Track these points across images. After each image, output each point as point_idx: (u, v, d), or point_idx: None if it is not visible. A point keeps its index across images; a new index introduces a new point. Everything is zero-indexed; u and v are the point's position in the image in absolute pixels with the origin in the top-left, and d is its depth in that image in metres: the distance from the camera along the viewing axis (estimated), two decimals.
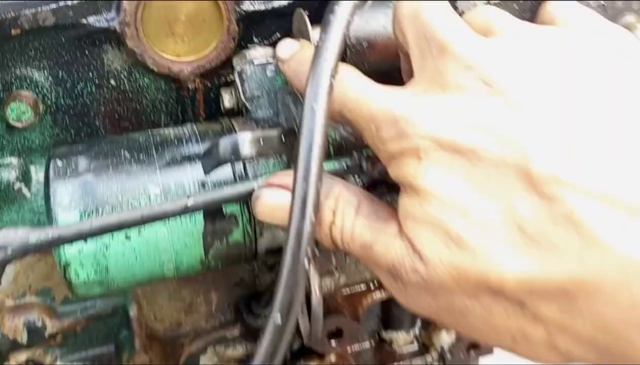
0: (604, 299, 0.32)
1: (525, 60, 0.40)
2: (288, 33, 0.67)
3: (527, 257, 0.34)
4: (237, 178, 0.51)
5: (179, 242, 0.52)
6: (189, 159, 0.53)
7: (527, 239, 0.34)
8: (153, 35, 0.62)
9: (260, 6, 0.65)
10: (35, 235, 0.39)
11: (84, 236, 0.41)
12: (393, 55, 0.53)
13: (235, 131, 0.55)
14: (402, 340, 0.86)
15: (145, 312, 0.71)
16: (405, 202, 0.40)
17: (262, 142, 0.44)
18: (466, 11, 0.49)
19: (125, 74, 0.65)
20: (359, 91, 0.44)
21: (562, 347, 0.35)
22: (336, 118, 0.45)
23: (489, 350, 0.88)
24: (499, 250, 0.35)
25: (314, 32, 0.53)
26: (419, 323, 0.86)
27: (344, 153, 0.48)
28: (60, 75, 0.63)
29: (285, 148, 0.46)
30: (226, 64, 0.66)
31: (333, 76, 0.43)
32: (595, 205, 0.33)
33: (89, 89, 0.64)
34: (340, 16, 0.46)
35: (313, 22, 0.55)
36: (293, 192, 0.39)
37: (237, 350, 0.78)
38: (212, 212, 0.51)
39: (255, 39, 0.67)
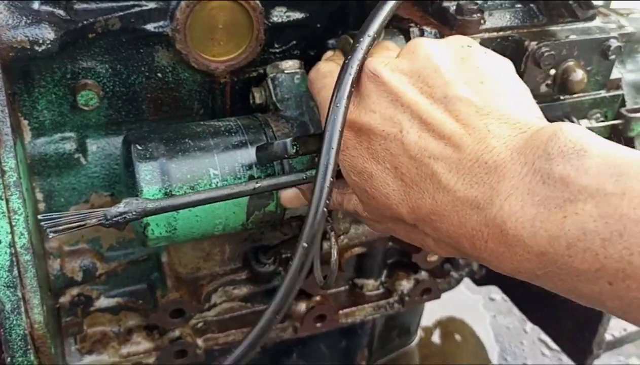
0: (447, 221, 0.52)
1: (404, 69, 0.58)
2: (302, 40, 0.83)
3: (409, 199, 0.55)
4: (276, 168, 0.69)
5: (230, 211, 0.69)
6: (238, 146, 0.69)
7: (408, 187, 0.55)
8: (196, 39, 0.77)
9: (282, 19, 0.80)
10: (152, 204, 0.55)
11: (182, 207, 0.57)
12: None
13: (271, 126, 0.72)
14: (371, 285, 1.06)
15: (172, 259, 0.88)
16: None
17: (305, 144, 0.61)
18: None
19: (170, 69, 0.79)
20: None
21: (441, 247, 0.57)
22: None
23: (437, 295, 1.10)
24: (395, 197, 0.56)
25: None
26: (385, 272, 1.07)
27: None
28: (118, 68, 0.77)
29: (313, 148, 0.63)
30: (251, 64, 0.81)
31: (353, 86, 0.59)
32: (444, 165, 0.52)
33: (140, 80, 0.78)
34: (358, 51, 0.62)
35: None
36: (316, 174, 0.56)
37: (242, 291, 0.96)
38: None
39: (275, 45, 0.83)
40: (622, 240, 0.43)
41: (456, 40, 0.59)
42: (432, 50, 0.57)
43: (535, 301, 1.03)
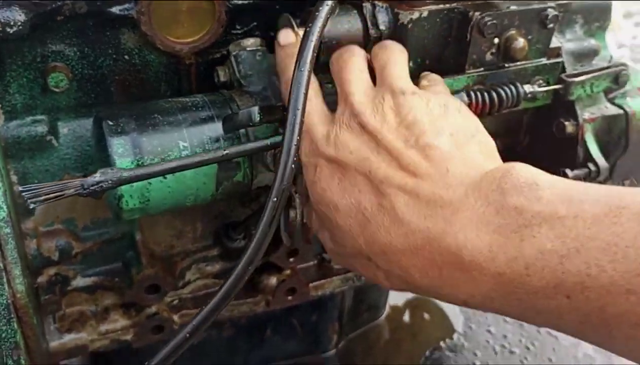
0: (400, 253, 0.57)
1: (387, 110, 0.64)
2: (263, 22, 0.87)
3: (366, 232, 0.59)
4: (242, 137, 0.73)
5: (200, 182, 0.73)
6: (205, 120, 0.73)
7: (367, 221, 0.59)
8: (161, 21, 0.80)
9: (243, 1, 0.84)
10: (127, 173, 0.59)
11: (157, 174, 0.61)
12: None
13: (235, 101, 0.76)
14: None
15: (146, 237, 0.91)
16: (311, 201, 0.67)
17: (267, 113, 0.66)
18: None
19: (137, 51, 0.82)
20: (308, 108, 0.66)
21: (391, 280, 0.61)
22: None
23: None
24: (355, 230, 0.61)
25: (298, 30, 0.74)
26: None
27: None
28: (85, 51, 0.79)
29: (278, 116, 0.68)
30: (214, 45, 0.85)
31: (315, 51, 0.64)
32: (403, 198, 0.57)
33: (108, 62, 0.81)
34: (318, 19, 0.66)
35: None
36: (283, 133, 0.60)
37: (215, 267, 0.99)
38: (223, 161, 0.72)
39: (237, 27, 0.87)
40: (579, 256, 0.47)
41: (435, 99, 0.65)
42: (414, 104, 0.63)
43: None
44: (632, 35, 3.42)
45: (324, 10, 0.62)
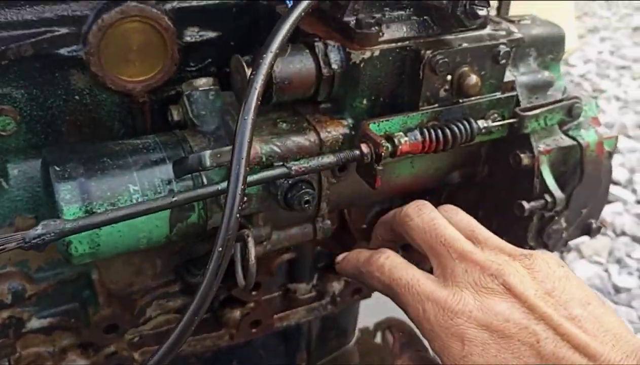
0: None
1: (524, 272, 0.63)
2: (217, 58, 0.86)
3: None
4: (194, 179, 0.72)
5: (152, 224, 0.72)
6: (157, 163, 0.72)
7: None
8: (111, 61, 0.79)
9: (196, 38, 0.84)
10: (70, 224, 0.58)
11: (101, 224, 0.60)
12: (303, 89, 0.76)
13: (188, 142, 0.75)
14: (303, 289, 1.10)
15: (104, 276, 0.89)
16: None
17: (218, 156, 0.65)
18: None
19: (87, 91, 0.81)
20: (409, 277, 0.66)
21: None
22: (382, 290, 0.71)
23: (368, 294, 1.15)
24: None
25: (248, 71, 0.73)
26: (316, 276, 1.11)
27: (274, 162, 0.71)
28: (34, 92, 0.78)
29: (228, 159, 0.67)
30: (168, 83, 0.84)
31: (259, 100, 0.63)
32: None
33: (58, 103, 0.80)
34: (265, 61, 0.65)
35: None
36: (228, 183, 0.59)
37: (177, 303, 0.98)
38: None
39: (191, 64, 0.86)
40: None
41: (551, 260, 0.64)
42: (542, 267, 0.62)
43: None
44: (598, 50, 3.49)
45: (268, 58, 0.61)
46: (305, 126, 0.77)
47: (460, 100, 0.79)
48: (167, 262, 0.94)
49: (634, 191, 2.16)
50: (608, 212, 2.05)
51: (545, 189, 0.84)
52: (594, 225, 0.96)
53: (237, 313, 1.02)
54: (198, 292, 0.56)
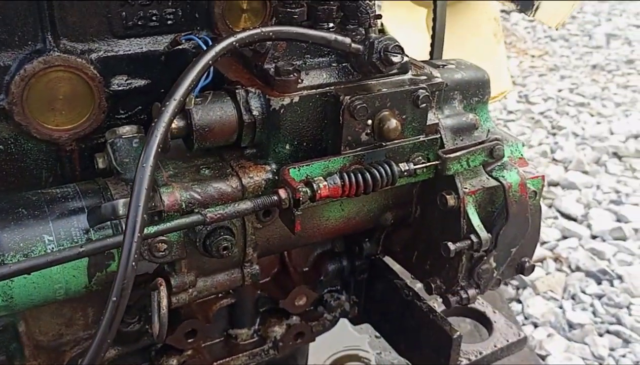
0: None
1: None
2: (147, 106, 0.87)
3: None
4: (113, 227, 0.71)
5: (69, 275, 0.71)
6: (75, 212, 0.72)
7: None
8: (36, 110, 0.79)
9: (124, 86, 0.84)
10: None
11: (5, 277, 0.59)
12: (225, 136, 0.76)
13: (109, 190, 0.75)
14: (245, 335, 1.08)
15: (31, 328, 0.87)
16: None
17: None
18: None
19: (12, 140, 0.81)
20: None
21: None
22: None
23: (312, 338, 1.14)
24: None
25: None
26: (258, 321, 1.10)
27: (195, 209, 0.71)
28: None
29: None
30: (97, 130, 0.84)
31: (159, 147, 0.63)
32: None
33: None
34: (168, 109, 0.66)
35: None
36: (125, 230, 0.59)
37: (110, 353, 0.96)
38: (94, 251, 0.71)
39: (121, 111, 0.86)
40: None
41: None
42: None
43: (400, 334, 1.09)
44: (558, 88, 3.58)
45: (171, 105, 0.62)
46: (228, 172, 0.77)
47: (383, 144, 0.81)
48: (99, 311, 0.92)
49: (589, 226, 2.20)
50: (563, 248, 2.07)
51: (471, 229, 0.85)
52: (528, 264, 0.97)
53: (174, 361, 1.00)
54: (91, 346, 0.55)
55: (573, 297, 1.84)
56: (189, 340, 0.98)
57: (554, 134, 3.02)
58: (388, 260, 1.09)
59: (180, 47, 0.84)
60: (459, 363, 1.00)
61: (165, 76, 0.86)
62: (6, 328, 0.86)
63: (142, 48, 0.83)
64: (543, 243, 2.08)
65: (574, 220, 2.23)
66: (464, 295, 0.91)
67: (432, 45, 1.06)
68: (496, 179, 0.86)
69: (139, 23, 0.82)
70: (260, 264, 1.04)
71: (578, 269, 1.97)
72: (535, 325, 1.71)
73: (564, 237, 2.15)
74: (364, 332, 1.48)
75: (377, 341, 1.45)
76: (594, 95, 3.53)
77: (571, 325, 1.72)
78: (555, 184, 2.47)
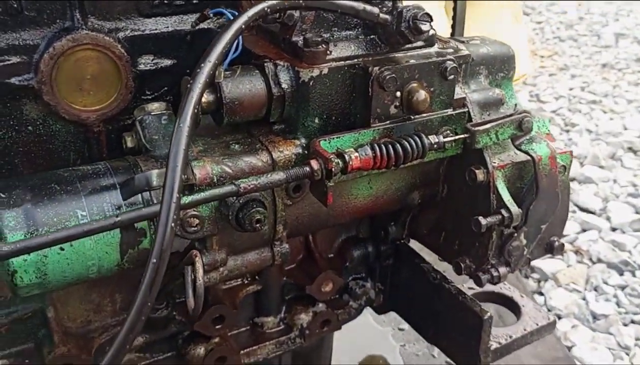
0: None
1: None
2: (173, 85, 0.87)
3: None
4: (145, 202, 0.71)
5: (102, 251, 0.70)
6: (107, 188, 0.71)
7: None
8: (64, 90, 0.79)
9: (150, 66, 0.84)
10: (6, 247, 0.56)
11: (39, 247, 0.58)
12: (254, 110, 0.76)
13: (140, 166, 0.74)
14: (271, 323, 1.07)
15: (60, 314, 0.87)
16: None
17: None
18: None
19: (41, 121, 0.80)
20: None
21: None
22: None
23: (338, 326, 1.12)
24: None
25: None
26: (284, 308, 1.09)
27: (225, 181, 0.70)
28: None
29: None
30: (124, 111, 0.84)
31: (197, 107, 0.62)
32: None
33: (10, 134, 0.79)
34: (203, 71, 0.65)
35: None
36: (163, 190, 0.58)
37: (138, 340, 0.95)
38: (127, 227, 0.70)
39: (147, 92, 0.86)
40: None
41: None
42: None
43: (427, 319, 1.07)
44: (569, 86, 3.57)
45: (206, 67, 0.62)
46: (257, 147, 0.77)
47: (412, 117, 0.80)
48: (127, 297, 0.92)
49: (608, 218, 2.18)
50: (583, 240, 2.06)
51: (502, 204, 0.84)
52: (557, 243, 0.95)
53: (201, 349, 0.99)
54: (132, 307, 0.54)
55: (596, 289, 1.81)
56: (217, 327, 0.97)
57: (568, 131, 3.01)
58: (413, 244, 1.08)
59: (206, 26, 0.84)
60: (489, 346, 0.98)
61: (190, 56, 0.86)
62: (35, 314, 0.86)
63: (168, 27, 0.83)
64: (562, 236, 2.06)
65: (593, 213, 2.21)
66: (495, 273, 0.89)
67: (453, 27, 1.06)
68: (526, 152, 0.85)
69: (165, 2, 0.82)
70: None
71: (599, 260, 1.95)
72: (559, 317, 1.68)
73: (584, 230, 2.13)
74: (387, 324, 1.47)
75: (400, 334, 1.43)
76: (606, 93, 3.51)
77: (595, 316, 1.70)
78: (572, 179, 2.45)
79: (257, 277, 1.02)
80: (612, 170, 2.53)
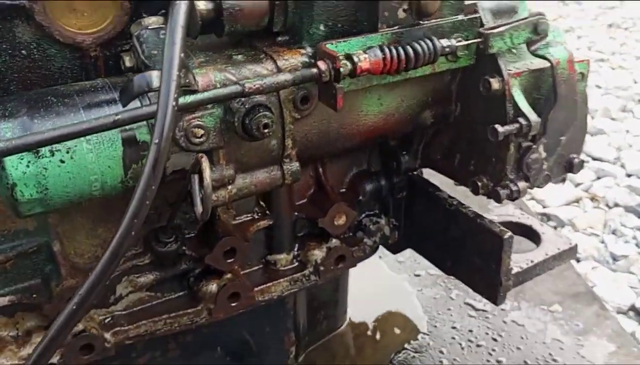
0: None
1: None
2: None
3: None
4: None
5: (104, 165, 0.67)
6: (106, 102, 0.68)
7: None
8: (57, 11, 0.76)
9: None
10: (1, 144, 0.53)
11: (37, 145, 0.55)
12: (256, 18, 0.73)
13: None
14: (284, 260, 1.04)
15: (66, 249, 0.84)
16: None
17: None
18: None
19: (35, 45, 0.77)
20: None
21: None
22: None
23: (353, 263, 1.09)
24: None
25: None
26: (296, 245, 1.06)
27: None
28: None
29: None
30: (121, 36, 0.81)
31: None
32: None
33: (3, 58, 0.76)
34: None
35: None
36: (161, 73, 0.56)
37: (148, 278, 0.92)
38: (129, 140, 0.67)
39: (144, 15, 0.83)
40: None
41: None
42: None
43: (445, 250, 1.04)
44: (576, 47, 3.52)
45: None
46: (262, 57, 0.74)
47: (422, 22, 0.76)
48: None
49: (622, 166, 2.14)
50: (599, 187, 2.02)
51: (519, 112, 0.81)
52: (577, 160, 0.92)
53: (213, 286, 0.96)
54: (136, 189, 0.51)
55: (614, 232, 1.78)
56: (228, 261, 0.94)
57: None
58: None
59: None
60: (510, 269, 0.95)
61: None
62: (40, 248, 0.83)
63: None
64: (578, 184, 2.02)
65: (607, 162, 2.17)
66: (514, 188, 0.86)
67: None
68: (542, 56, 0.81)
69: None
70: (296, 185, 1.00)
71: (616, 205, 1.91)
72: (578, 260, 1.65)
73: (598, 178, 2.09)
74: (403, 272, 1.44)
75: (416, 279, 1.41)
76: (613, 51, 3.45)
77: (615, 258, 1.66)
78: None
79: (267, 212, 1.00)
80: (623, 121, 2.48)
